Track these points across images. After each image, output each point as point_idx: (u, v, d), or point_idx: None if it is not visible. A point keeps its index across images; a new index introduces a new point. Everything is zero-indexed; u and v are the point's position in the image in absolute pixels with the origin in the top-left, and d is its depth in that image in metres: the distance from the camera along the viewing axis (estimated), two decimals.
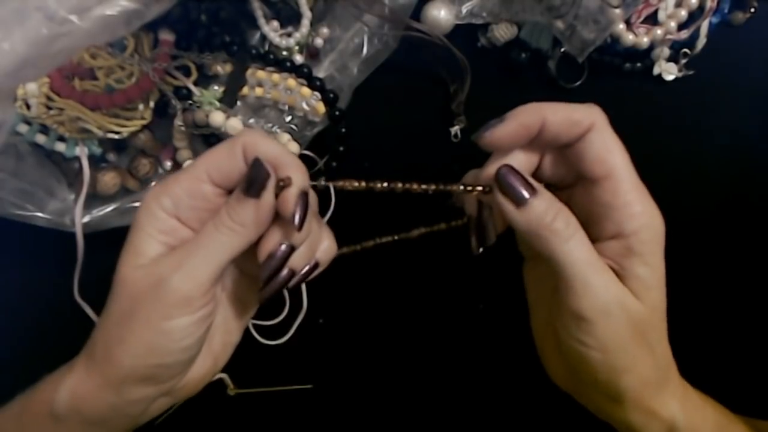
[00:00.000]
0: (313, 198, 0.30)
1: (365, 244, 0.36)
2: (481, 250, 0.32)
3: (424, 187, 0.30)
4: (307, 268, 0.30)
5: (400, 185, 0.30)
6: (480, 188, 0.30)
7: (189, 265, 0.28)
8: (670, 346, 0.31)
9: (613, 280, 0.28)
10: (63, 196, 0.42)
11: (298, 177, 0.28)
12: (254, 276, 0.32)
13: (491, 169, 0.29)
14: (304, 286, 0.44)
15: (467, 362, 0.47)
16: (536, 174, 0.31)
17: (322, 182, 0.31)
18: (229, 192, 0.29)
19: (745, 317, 0.46)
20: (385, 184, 0.30)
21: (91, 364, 0.29)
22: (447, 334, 0.46)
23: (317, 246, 0.31)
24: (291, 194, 0.28)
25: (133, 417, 0.30)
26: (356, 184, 0.30)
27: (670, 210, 0.47)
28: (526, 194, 0.28)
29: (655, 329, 0.29)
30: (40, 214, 0.40)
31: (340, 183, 0.31)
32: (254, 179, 0.28)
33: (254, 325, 0.45)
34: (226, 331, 0.33)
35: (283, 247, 0.29)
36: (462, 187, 0.30)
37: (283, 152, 0.29)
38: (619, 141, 0.29)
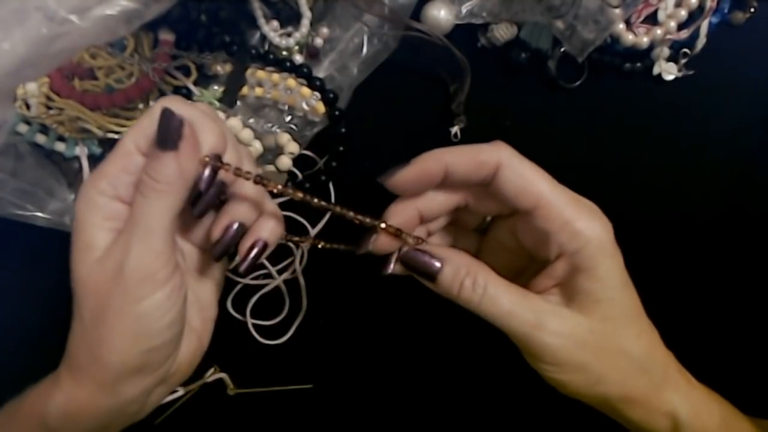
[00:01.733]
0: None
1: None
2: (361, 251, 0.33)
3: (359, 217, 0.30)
4: (257, 249, 0.30)
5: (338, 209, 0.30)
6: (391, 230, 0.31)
7: (137, 242, 0.27)
8: (671, 346, 0.31)
9: (538, 315, 0.29)
10: (63, 196, 0.42)
11: (211, 139, 0.28)
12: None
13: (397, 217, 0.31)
14: (303, 287, 0.44)
15: (467, 362, 0.47)
16: (478, 207, 0.32)
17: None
18: None
19: (745, 317, 0.46)
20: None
21: (77, 374, 0.28)
22: (447, 334, 0.46)
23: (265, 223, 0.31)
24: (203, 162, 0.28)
25: (132, 415, 0.30)
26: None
27: (670, 209, 0.47)
28: (435, 267, 0.29)
29: (616, 336, 0.29)
30: (40, 214, 0.40)
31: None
32: (167, 130, 0.26)
33: (254, 325, 0.45)
34: (200, 307, 0.33)
35: (235, 226, 0.30)
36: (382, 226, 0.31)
37: (198, 114, 0.28)
38: (534, 166, 0.29)
